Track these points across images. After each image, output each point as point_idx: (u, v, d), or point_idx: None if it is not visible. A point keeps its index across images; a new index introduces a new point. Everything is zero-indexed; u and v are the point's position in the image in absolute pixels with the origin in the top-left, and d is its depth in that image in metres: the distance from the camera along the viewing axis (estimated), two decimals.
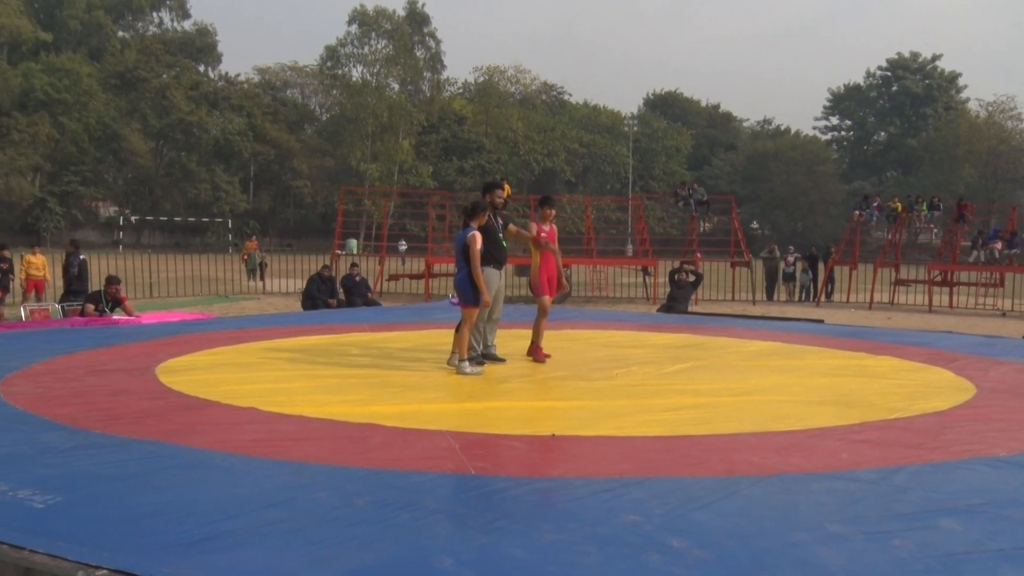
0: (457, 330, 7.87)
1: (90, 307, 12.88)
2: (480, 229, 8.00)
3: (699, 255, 24.10)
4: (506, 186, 25.09)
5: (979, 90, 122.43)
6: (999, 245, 22.60)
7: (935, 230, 28.44)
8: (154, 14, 75.26)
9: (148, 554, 3.13)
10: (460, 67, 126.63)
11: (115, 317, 12.58)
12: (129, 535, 3.34)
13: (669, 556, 3.22)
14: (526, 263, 9.68)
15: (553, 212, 8.57)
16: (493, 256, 8.03)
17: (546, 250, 8.38)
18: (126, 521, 3.51)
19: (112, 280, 13.41)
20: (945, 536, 3.48)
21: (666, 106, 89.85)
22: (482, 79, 75.89)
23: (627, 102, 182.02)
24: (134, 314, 13.09)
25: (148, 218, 57.65)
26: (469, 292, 7.73)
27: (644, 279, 25.25)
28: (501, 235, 8.05)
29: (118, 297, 13.22)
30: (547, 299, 8.41)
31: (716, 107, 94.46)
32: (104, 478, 4.15)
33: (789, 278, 25.62)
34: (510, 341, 8.88)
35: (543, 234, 8.25)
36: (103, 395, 6.29)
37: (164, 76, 64.02)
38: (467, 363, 7.62)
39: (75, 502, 3.75)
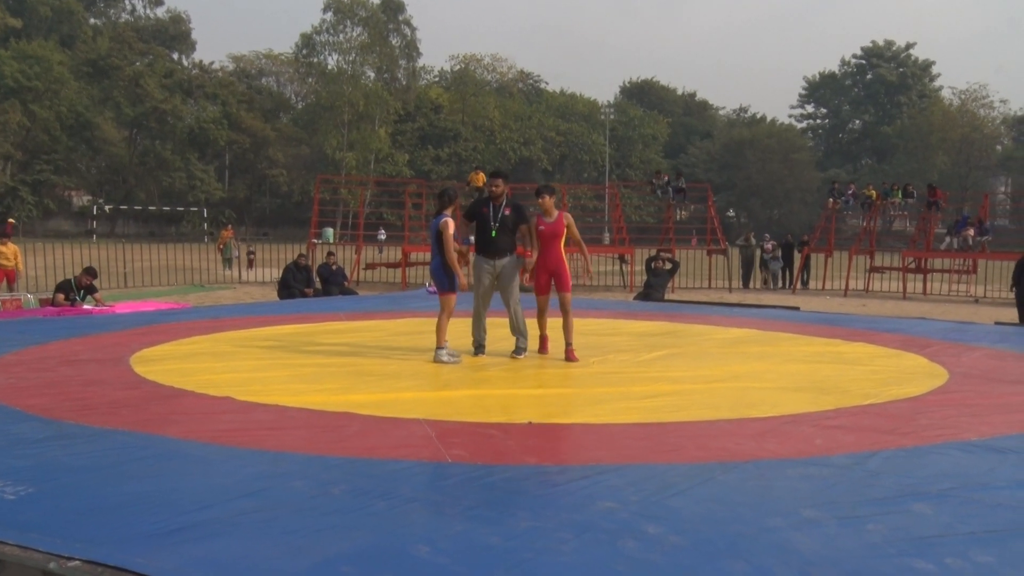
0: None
1: (60, 296, 12.73)
2: (471, 216, 8.04)
3: (694, 241, 24.10)
4: (481, 175, 25.13)
5: (952, 78, 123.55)
6: (971, 232, 22.84)
7: (908, 218, 28.73)
8: (126, 1, 74.43)
9: (121, 545, 3.10)
10: (436, 55, 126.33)
11: (87, 307, 12.46)
12: (102, 526, 3.31)
13: (645, 542, 3.23)
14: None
15: (548, 200, 7.99)
16: (481, 246, 8.05)
17: (548, 245, 7.96)
18: (99, 512, 3.48)
19: (89, 271, 13.28)
20: (917, 520, 3.52)
21: (642, 94, 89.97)
22: (458, 67, 75.67)
23: (604, 90, 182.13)
24: (105, 305, 12.96)
25: (122, 207, 57.01)
26: (443, 279, 7.75)
27: (621, 267, 25.31)
28: (494, 225, 7.97)
29: (91, 285, 13.09)
30: (542, 298, 8.12)
31: (692, 95, 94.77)
32: (77, 469, 4.11)
33: (767, 265, 25.74)
34: (492, 330, 8.84)
35: (540, 228, 7.96)
36: (76, 385, 6.23)
37: (137, 64, 63.28)
38: (443, 351, 7.60)
39: (47, 493, 3.71)
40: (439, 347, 7.62)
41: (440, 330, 7.69)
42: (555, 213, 7.98)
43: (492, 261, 7.98)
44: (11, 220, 33.14)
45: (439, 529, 3.36)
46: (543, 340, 8.23)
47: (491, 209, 7.99)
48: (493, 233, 7.95)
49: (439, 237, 7.70)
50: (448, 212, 7.82)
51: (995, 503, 3.77)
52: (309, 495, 3.74)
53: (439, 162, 67.11)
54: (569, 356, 7.78)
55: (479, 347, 8.11)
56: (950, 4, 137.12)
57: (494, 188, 8.06)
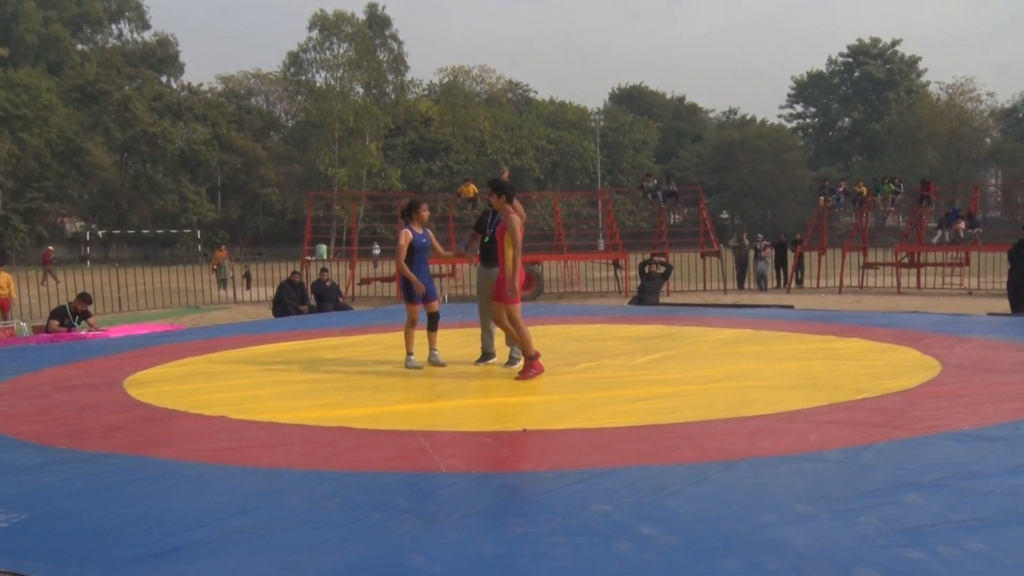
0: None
1: (55, 323, 12.73)
2: (477, 227, 8.13)
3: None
4: (472, 187, 25.18)
5: (939, 73, 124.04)
6: (963, 225, 22.91)
7: (900, 213, 28.81)
8: (113, 26, 74.62)
9: (115, 567, 3.10)
10: (424, 69, 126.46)
11: (82, 332, 12.45)
12: (95, 549, 3.31)
13: (639, 543, 3.24)
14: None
15: (497, 199, 7.54)
16: (480, 255, 8.15)
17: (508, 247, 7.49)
18: (93, 536, 3.48)
19: (84, 297, 13.28)
20: (910, 510, 3.53)
21: (632, 100, 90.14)
22: (447, 80, 75.81)
23: (593, 97, 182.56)
24: (99, 329, 12.96)
25: (115, 232, 56.97)
26: (403, 290, 8.07)
27: (615, 273, 25.34)
28: (488, 232, 8.00)
29: (86, 311, 13.09)
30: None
31: (681, 99, 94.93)
32: (70, 494, 4.11)
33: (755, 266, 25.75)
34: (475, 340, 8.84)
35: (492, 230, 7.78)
36: (69, 411, 6.22)
37: (126, 88, 63.28)
38: (411, 357, 7.90)
39: (40, 519, 3.71)
40: (408, 352, 7.93)
41: (406, 339, 7.96)
42: (506, 212, 7.51)
43: (487, 270, 8.04)
44: None
45: (433, 539, 3.36)
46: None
47: (490, 218, 8.05)
48: (486, 240, 8.01)
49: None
50: (415, 224, 7.97)
51: (986, 491, 3.78)
52: (303, 510, 3.74)
53: (431, 175, 67.16)
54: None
55: (486, 355, 8.14)
56: (934, 1, 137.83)
57: (488, 196, 8.13)
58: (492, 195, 7.66)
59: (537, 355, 7.28)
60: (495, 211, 7.97)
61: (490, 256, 7.96)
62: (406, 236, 7.90)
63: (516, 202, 7.78)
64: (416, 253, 7.93)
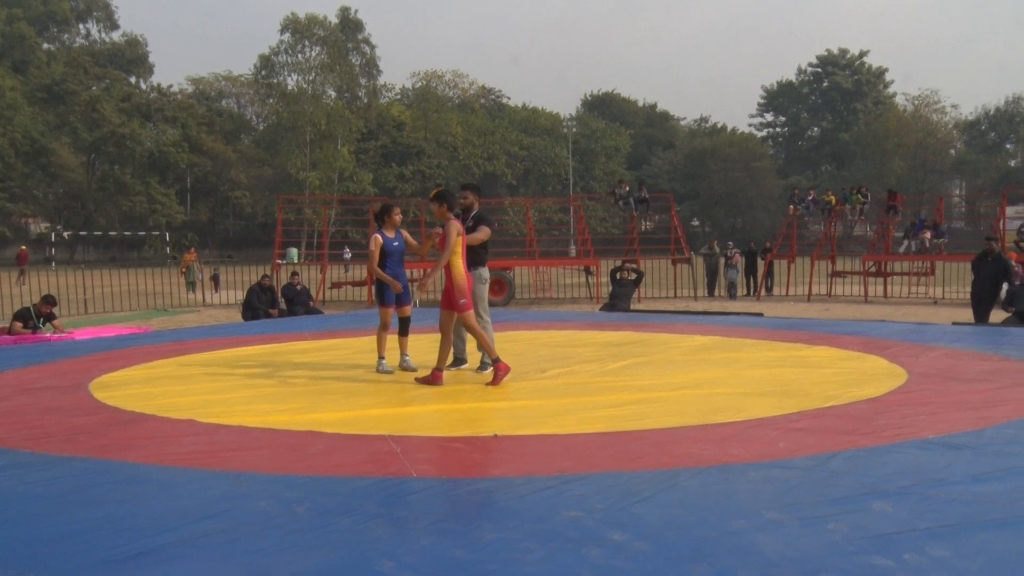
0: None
1: (18, 325, 12.53)
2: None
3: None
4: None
5: (905, 84, 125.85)
6: (928, 235, 23.25)
7: (867, 222, 29.16)
8: (80, 25, 73.60)
9: (78, 573, 3.05)
10: (397, 73, 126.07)
11: (47, 335, 12.27)
12: (58, 554, 3.25)
13: (610, 549, 3.24)
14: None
15: (438, 207, 7.46)
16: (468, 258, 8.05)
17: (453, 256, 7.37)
18: (55, 540, 3.42)
19: (48, 299, 13.09)
20: (877, 517, 3.57)
21: (604, 107, 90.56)
22: (420, 84, 75.73)
23: (565, 104, 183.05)
24: (64, 331, 12.78)
25: (82, 233, 56.15)
26: (377, 293, 8.06)
27: (587, 279, 25.42)
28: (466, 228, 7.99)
29: (50, 313, 12.90)
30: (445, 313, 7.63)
31: (653, 106, 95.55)
32: (32, 497, 4.04)
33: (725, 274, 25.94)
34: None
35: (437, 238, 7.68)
36: (32, 413, 6.12)
37: (94, 88, 62.60)
38: (383, 361, 7.93)
39: (2, 524, 3.64)
40: (379, 356, 7.96)
41: (378, 343, 7.99)
42: (446, 220, 7.40)
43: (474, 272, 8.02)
44: None
45: (404, 544, 3.34)
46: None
47: (463, 223, 8.02)
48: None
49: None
50: (387, 229, 7.96)
51: (951, 498, 3.83)
52: (273, 515, 3.71)
53: (403, 180, 67.01)
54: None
55: (458, 360, 8.15)
56: (901, 12, 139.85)
57: (463, 201, 8.10)
58: (435, 203, 7.57)
59: (497, 358, 7.31)
60: (465, 215, 7.98)
61: (473, 259, 7.96)
62: (376, 241, 7.90)
63: (487, 217, 7.99)
64: (388, 257, 7.91)
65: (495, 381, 7.17)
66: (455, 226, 7.33)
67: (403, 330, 8.12)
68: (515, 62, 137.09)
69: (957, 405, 5.99)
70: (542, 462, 4.63)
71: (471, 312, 7.39)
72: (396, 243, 7.95)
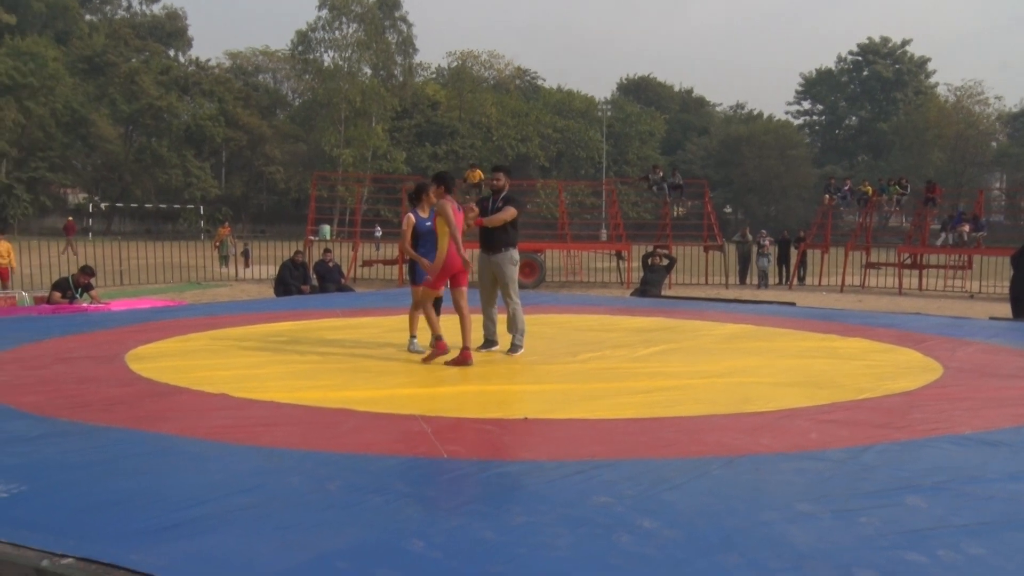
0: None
1: (56, 295, 12.72)
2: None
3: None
4: (478, 172, 25.10)
5: (948, 75, 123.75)
6: (967, 228, 22.89)
7: (903, 214, 28.76)
8: None
9: (114, 541, 3.09)
10: (433, 52, 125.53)
11: (84, 304, 12.45)
12: (95, 523, 3.30)
13: (639, 536, 3.23)
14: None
15: (436, 188, 7.60)
16: (480, 241, 8.08)
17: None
18: (92, 509, 3.47)
19: (86, 270, 13.27)
20: (910, 513, 3.53)
21: (639, 91, 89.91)
22: (455, 64, 75.58)
23: (601, 87, 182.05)
24: (101, 302, 12.96)
25: (118, 205, 56.91)
26: (410, 272, 8.17)
27: (618, 264, 25.32)
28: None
29: (88, 284, 13.09)
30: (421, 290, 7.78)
31: (689, 92, 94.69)
32: (70, 466, 4.11)
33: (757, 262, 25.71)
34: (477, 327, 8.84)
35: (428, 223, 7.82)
36: (70, 382, 6.22)
37: (133, 60, 63.21)
38: (414, 340, 8.00)
39: (40, 491, 3.70)
40: (411, 335, 8.06)
41: (410, 321, 8.10)
42: (440, 201, 7.46)
43: (488, 256, 8.01)
44: None
45: (434, 524, 3.36)
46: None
47: (491, 204, 8.03)
48: (488, 226, 7.97)
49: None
50: (421, 209, 7.97)
51: (988, 495, 3.78)
52: (304, 491, 3.74)
53: (436, 159, 67.02)
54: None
55: (488, 342, 8.14)
56: (946, 1, 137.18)
57: (495, 182, 8.10)
58: (432, 184, 7.75)
59: (440, 338, 7.42)
60: (495, 196, 7.99)
61: (491, 242, 7.96)
62: (408, 221, 7.93)
63: (516, 198, 8.02)
64: (420, 237, 7.88)
65: (429, 358, 7.37)
66: (446, 206, 7.31)
67: (435, 309, 8.14)
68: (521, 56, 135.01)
69: (994, 401, 5.91)
70: (572, 446, 4.63)
71: (428, 291, 7.54)
72: (428, 223, 7.92)
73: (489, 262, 8.00)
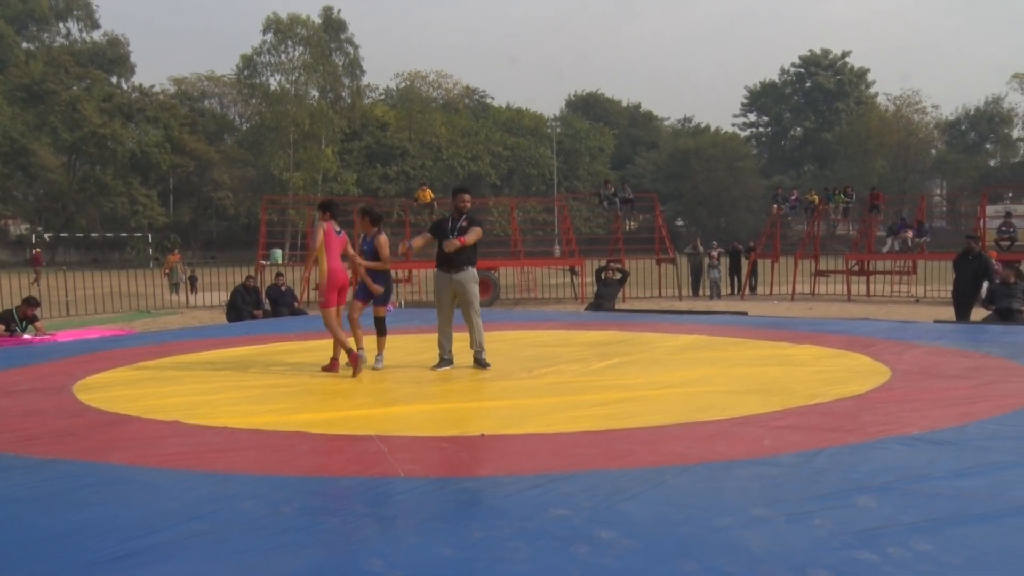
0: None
1: (0, 328, 12.42)
2: (433, 231, 8.28)
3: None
4: (428, 192, 25.13)
5: (886, 85, 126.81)
6: (910, 234, 23.43)
7: (850, 222, 29.34)
8: (61, 24, 73.05)
9: (67, 573, 3.04)
10: (381, 73, 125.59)
11: (27, 336, 12.18)
12: (44, 556, 3.24)
13: (597, 547, 3.25)
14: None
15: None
16: (440, 260, 8.15)
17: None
18: (41, 542, 3.39)
19: (31, 301, 12.99)
20: (861, 513, 3.60)
21: (588, 107, 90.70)
22: (404, 84, 75.57)
23: (549, 104, 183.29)
24: (47, 334, 12.68)
25: (63, 235, 55.79)
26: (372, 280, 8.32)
27: (572, 279, 25.45)
28: (452, 236, 8.02)
29: (33, 316, 12.80)
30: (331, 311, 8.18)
31: (637, 107, 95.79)
32: (17, 500, 4.02)
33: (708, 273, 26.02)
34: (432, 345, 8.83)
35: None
36: (15, 416, 6.07)
37: (74, 88, 62.06)
38: (361, 352, 8.15)
39: None
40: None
41: (355, 339, 8.20)
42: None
43: (450, 275, 8.04)
44: None
45: (392, 543, 3.34)
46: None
47: (451, 223, 8.06)
48: (446, 246, 8.02)
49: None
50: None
51: (934, 493, 3.87)
52: (259, 515, 3.70)
53: (387, 180, 66.80)
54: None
55: (444, 361, 8.12)
56: (883, 13, 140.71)
57: (462, 204, 8.17)
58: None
59: (351, 350, 7.86)
60: (456, 217, 8.05)
61: (453, 261, 8.00)
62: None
63: (476, 218, 8.27)
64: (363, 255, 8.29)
65: (331, 367, 7.96)
66: (319, 228, 8.13)
67: (380, 330, 8.21)
68: (512, 62, 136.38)
69: (940, 402, 6.05)
70: (529, 461, 4.64)
71: (324, 309, 8.18)
72: (365, 246, 8.18)
73: (451, 280, 8.04)
